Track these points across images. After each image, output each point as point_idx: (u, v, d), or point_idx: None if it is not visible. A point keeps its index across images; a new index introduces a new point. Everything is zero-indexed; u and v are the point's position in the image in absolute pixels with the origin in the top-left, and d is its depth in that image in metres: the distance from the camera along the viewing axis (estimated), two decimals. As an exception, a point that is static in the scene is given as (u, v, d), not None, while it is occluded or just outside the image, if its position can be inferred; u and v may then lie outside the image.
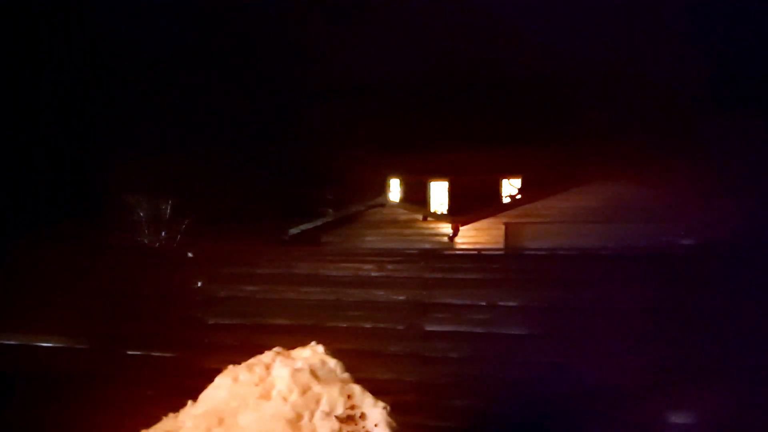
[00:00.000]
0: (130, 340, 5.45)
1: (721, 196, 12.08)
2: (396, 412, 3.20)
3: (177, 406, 3.42)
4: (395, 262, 5.06)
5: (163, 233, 15.52)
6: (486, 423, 4.35)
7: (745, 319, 4.11)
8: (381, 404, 3.18)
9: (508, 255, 7.32)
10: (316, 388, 3.22)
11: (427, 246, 14.31)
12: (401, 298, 4.91)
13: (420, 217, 16.05)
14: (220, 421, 3.13)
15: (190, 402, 3.41)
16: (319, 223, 16.68)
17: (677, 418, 4.16)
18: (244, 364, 3.46)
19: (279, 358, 3.43)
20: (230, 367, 3.48)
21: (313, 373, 3.32)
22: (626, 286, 4.48)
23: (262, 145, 19.47)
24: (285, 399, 3.15)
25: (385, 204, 16.57)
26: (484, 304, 4.72)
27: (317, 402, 3.15)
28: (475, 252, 8.99)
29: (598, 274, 4.62)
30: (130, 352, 5.44)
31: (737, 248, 4.60)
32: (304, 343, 3.67)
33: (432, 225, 15.82)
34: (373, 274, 5.05)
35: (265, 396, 3.22)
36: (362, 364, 3.78)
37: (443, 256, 6.39)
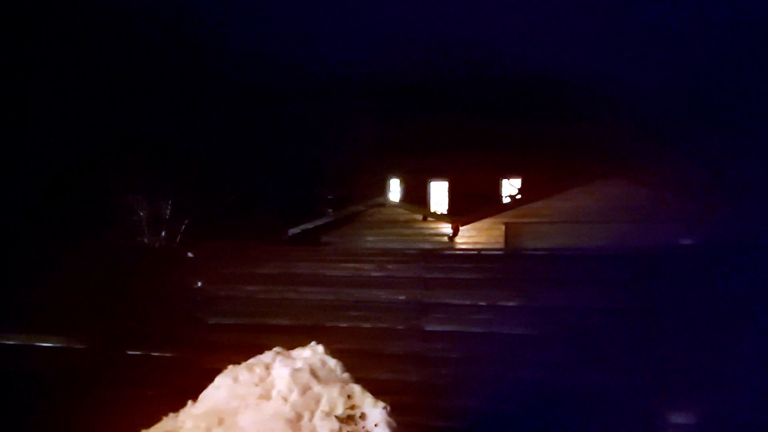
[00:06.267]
0: (130, 340, 5.45)
1: (720, 196, 12.08)
2: (396, 412, 3.20)
3: (177, 406, 3.43)
4: (395, 262, 5.05)
5: (163, 233, 15.49)
6: (486, 423, 4.35)
7: (744, 319, 4.11)
8: (381, 404, 3.18)
9: (508, 255, 7.30)
10: (316, 388, 3.22)
11: (427, 246, 14.29)
12: (401, 298, 4.91)
13: (420, 217, 16.03)
14: (220, 421, 3.13)
15: (190, 402, 3.42)
16: (319, 223, 16.66)
17: (677, 418, 4.16)
18: (244, 364, 3.47)
19: (279, 358, 3.44)
20: (230, 367, 3.48)
21: (313, 373, 3.32)
22: (626, 286, 4.48)
23: (263, 145, 19.47)
24: (285, 399, 3.16)
25: (385, 204, 16.55)
26: (484, 304, 4.72)
27: (317, 402, 3.15)
28: (475, 252, 8.97)
29: (598, 274, 4.62)
30: (130, 352, 5.44)
31: (737, 248, 4.60)
32: (304, 343, 3.67)
33: (432, 225, 15.80)
34: (373, 274, 5.05)
35: (265, 396, 3.22)
36: (362, 364, 3.78)
37: (443, 256, 6.38)
